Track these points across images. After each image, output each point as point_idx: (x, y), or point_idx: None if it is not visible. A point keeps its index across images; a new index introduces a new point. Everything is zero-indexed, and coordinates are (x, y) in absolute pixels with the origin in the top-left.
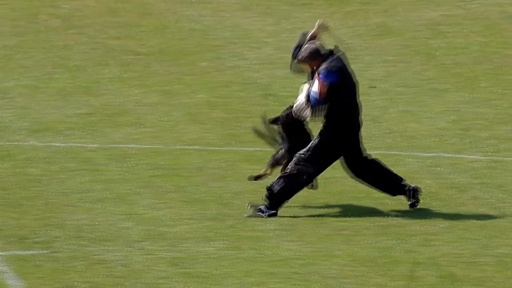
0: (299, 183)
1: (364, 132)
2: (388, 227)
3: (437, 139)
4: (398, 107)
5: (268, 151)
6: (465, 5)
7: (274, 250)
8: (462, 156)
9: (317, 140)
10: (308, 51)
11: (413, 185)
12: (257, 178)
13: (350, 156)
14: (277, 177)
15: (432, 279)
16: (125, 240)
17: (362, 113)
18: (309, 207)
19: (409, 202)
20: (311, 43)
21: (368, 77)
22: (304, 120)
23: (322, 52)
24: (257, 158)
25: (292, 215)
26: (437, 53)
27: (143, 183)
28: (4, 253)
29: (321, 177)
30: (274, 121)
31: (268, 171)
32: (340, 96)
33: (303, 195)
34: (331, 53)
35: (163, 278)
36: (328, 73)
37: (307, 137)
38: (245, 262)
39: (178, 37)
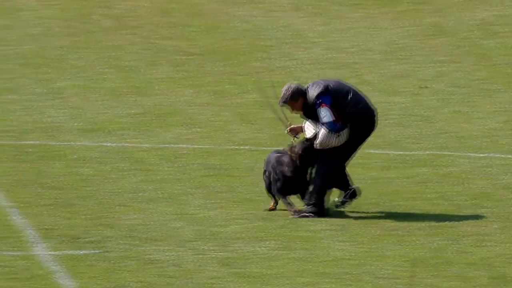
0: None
1: (416, 132)
2: (440, 228)
3: (489, 140)
4: (450, 107)
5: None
6: None
7: (325, 250)
8: None
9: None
10: (290, 91)
11: (355, 186)
12: (270, 209)
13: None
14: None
15: (484, 280)
16: (177, 240)
17: (413, 113)
18: (361, 207)
19: (341, 199)
20: (289, 85)
21: (420, 77)
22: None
23: (303, 89)
24: None
25: (343, 215)
26: (490, 53)
27: (195, 183)
28: (56, 253)
29: (372, 177)
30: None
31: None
32: (343, 107)
33: None
34: (304, 90)
35: (215, 278)
36: (323, 95)
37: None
38: (297, 262)
39: (230, 37)
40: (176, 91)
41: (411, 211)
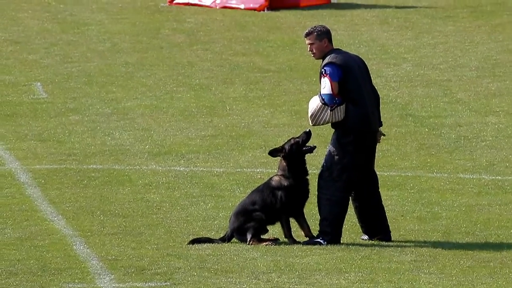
0: (342, 206)
1: (511, 155)
2: None
3: None
4: None
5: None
6: None
7: (412, 283)
8: None
9: (335, 155)
10: (319, 28)
11: (389, 235)
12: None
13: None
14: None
15: None
16: (251, 271)
17: (509, 134)
18: (451, 236)
19: (368, 238)
20: (325, 26)
21: None
22: (324, 123)
23: (331, 38)
24: (394, 183)
25: (431, 245)
26: None
27: None
28: (122, 285)
29: (464, 204)
30: (274, 152)
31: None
32: (350, 95)
33: (444, 224)
34: (338, 49)
35: None
36: (333, 70)
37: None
38: None
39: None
40: (251, 111)
41: (506, 241)
